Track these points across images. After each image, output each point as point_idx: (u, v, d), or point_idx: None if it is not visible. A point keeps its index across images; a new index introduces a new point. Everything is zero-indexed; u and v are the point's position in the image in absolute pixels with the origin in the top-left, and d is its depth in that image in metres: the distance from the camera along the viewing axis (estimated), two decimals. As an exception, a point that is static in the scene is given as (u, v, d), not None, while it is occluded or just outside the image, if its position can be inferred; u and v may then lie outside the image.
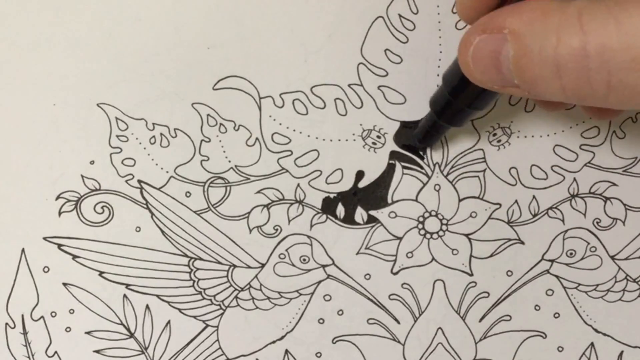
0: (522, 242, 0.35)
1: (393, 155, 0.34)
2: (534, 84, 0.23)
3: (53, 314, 0.36)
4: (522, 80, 0.24)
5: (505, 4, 0.25)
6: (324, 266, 0.35)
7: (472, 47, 0.25)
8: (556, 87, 0.23)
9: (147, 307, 0.36)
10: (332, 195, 0.35)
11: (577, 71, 0.22)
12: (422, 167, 0.34)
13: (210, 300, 0.36)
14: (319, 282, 0.35)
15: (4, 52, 0.33)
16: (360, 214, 0.35)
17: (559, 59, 0.22)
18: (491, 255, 0.35)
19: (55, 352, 0.36)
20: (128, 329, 0.36)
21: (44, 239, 0.35)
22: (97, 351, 0.36)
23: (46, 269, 0.35)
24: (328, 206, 0.35)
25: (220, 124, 0.34)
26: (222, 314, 0.36)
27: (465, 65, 0.25)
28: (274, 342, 0.36)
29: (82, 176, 0.34)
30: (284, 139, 0.34)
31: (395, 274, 0.35)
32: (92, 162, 0.34)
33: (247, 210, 0.35)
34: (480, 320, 0.36)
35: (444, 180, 0.34)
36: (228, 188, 0.35)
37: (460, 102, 0.29)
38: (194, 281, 0.35)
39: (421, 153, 0.34)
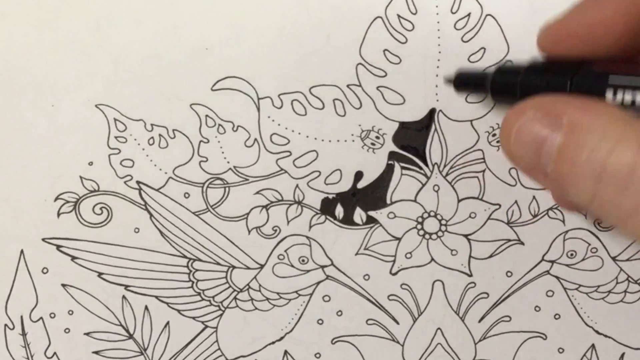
0: (522, 243, 0.35)
1: (392, 155, 0.34)
2: (568, 178, 0.23)
3: (52, 315, 0.36)
4: (556, 171, 0.24)
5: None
6: (323, 267, 0.35)
7: (525, 118, 0.25)
8: (590, 190, 0.23)
9: (146, 308, 0.36)
10: (331, 196, 0.35)
11: (616, 184, 0.22)
12: (421, 168, 0.34)
13: (209, 301, 0.36)
14: (318, 282, 0.35)
15: (2, 54, 0.34)
16: (359, 214, 0.35)
17: (607, 165, 0.22)
18: (491, 256, 0.35)
19: (55, 353, 0.36)
20: (127, 330, 0.36)
21: (43, 240, 0.35)
22: (96, 352, 0.36)
23: (45, 270, 0.35)
24: (327, 207, 0.35)
25: (219, 124, 0.34)
26: (221, 314, 0.36)
27: (506, 133, 0.25)
28: (273, 343, 0.36)
29: (81, 177, 0.34)
30: (283, 139, 0.34)
31: (395, 274, 0.35)
32: (90, 163, 0.34)
33: (246, 211, 0.35)
34: (480, 320, 0.36)
35: (443, 181, 0.34)
36: (227, 189, 0.35)
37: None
38: (193, 282, 0.35)
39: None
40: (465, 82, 0.31)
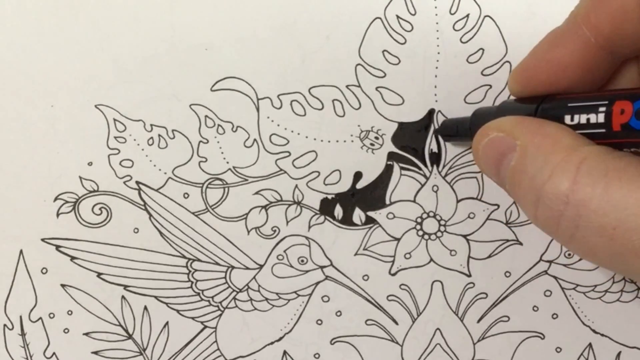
0: (520, 243, 0.35)
1: (391, 156, 0.34)
2: (516, 198, 0.25)
3: (51, 315, 0.36)
4: (510, 191, 0.25)
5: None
6: (322, 267, 0.35)
7: (488, 139, 0.26)
8: (531, 213, 0.24)
9: (146, 308, 0.36)
10: (330, 197, 0.35)
11: (551, 210, 0.23)
12: (420, 168, 0.34)
13: (209, 301, 0.36)
14: (317, 283, 0.35)
15: (2, 54, 0.33)
16: (358, 215, 0.35)
17: (542, 193, 0.23)
18: (489, 256, 0.35)
19: (54, 353, 0.36)
20: (126, 330, 0.36)
21: (42, 240, 0.35)
22: (96, 352, 0.36)
23: (44, 270, 0.35)
24: (326, 207, 0.35)
25: (219, 125, 0.34)
26: (220, 315, 0.36)
27: (475, 150, 0.27)
28: (272, 343, 0.36)
29: (80, 177, 0.34)
30: (282, 140, 0.34)
31: (394, 275, 0.35)
32: (90, 164, 0.34)
33: (245, 212, 0.35)
34: (479, 321, 0.36)
35: (442, 181, 0.34)
36: (226, 189, 0.35)
37: None
38: (192, 282, 0.35)
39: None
40: (447, 131, 0.33)
